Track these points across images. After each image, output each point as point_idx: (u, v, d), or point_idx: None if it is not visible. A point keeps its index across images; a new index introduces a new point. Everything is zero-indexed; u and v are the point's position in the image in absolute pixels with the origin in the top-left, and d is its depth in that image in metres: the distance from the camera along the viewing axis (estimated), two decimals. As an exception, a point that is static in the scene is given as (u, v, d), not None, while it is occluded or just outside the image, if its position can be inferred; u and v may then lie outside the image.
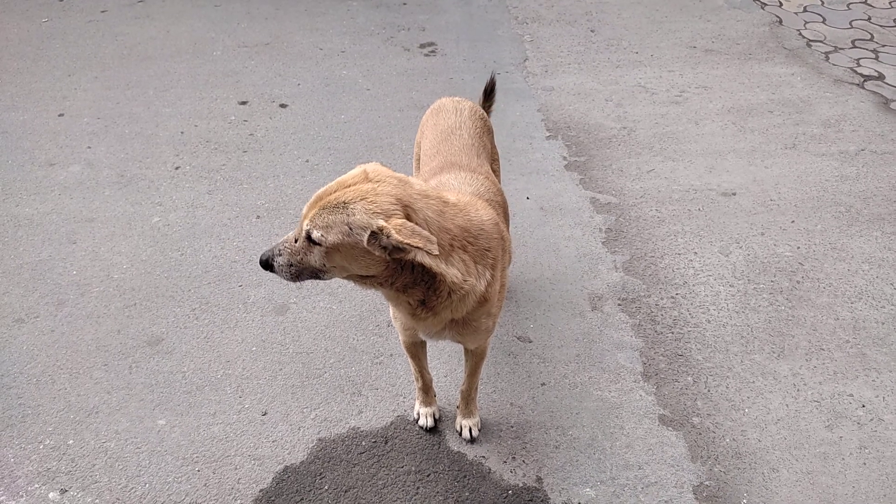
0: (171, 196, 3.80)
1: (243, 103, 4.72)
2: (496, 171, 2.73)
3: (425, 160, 2.51)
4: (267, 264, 1.82)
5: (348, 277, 1.84)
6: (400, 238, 1.61)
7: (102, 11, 6.07)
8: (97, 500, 2.32)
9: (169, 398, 2.67)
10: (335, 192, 1.70)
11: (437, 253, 1.66)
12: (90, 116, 4.55)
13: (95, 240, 3.48)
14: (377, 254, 1.68)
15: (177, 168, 4.04)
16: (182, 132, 4.38)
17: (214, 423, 2.58)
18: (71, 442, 2.50)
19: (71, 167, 4.03)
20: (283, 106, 4.70)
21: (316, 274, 1.82)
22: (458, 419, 2.59)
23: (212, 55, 5.35)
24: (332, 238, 1.68)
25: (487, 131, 2.66)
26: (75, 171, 3.99)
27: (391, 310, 2.13)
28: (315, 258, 1.76)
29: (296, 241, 1.78)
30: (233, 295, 3.15)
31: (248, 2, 6.23)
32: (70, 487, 2.35)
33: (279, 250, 1.80)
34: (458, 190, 2.12)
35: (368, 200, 1.66)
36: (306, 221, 1.72)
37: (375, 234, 1.64)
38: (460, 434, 2.58)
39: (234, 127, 4.44)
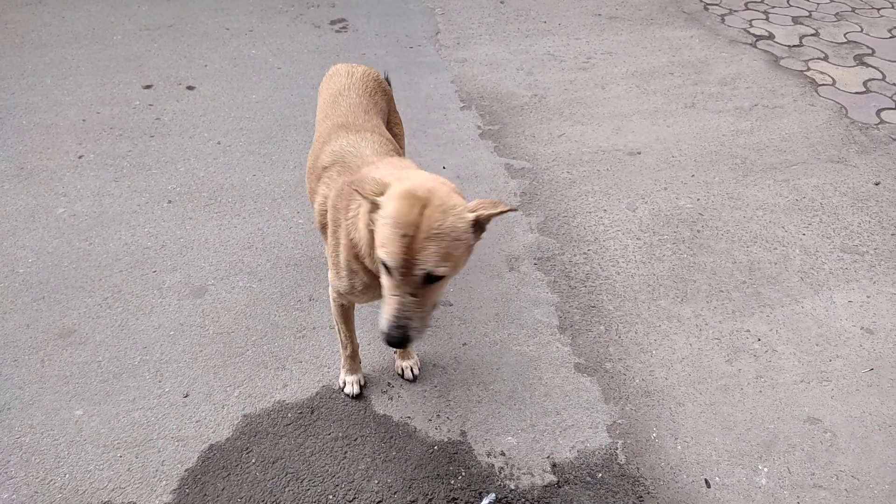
0: (76, 186, 3.66)
1: (148, 87, 4.56)
2: (398, 136, 2.76)
3: (317, 125, 2.53)
4: (406, 339, 1.67)
5: None
6: (494, 210, 1.67)
7: (-11, -2, 5.72)
8: (14, 496, 2.25)
9: (85, 388, 2.61)
10: (418, 228, 1.60)
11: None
12: (-18, 109, 4.31)
13: (-4, 235, 3.33)
14: (473, 243, 1.72)
15: (80, 157, 3.88)
16: (84, 120, 4.21)
17: (134, 409, 2.54)
18: (-18, 441, 2.42)
19: (-36, 162, 3.82)
20: (190, 88, 4.57)
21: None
22: (398, 362, 2.70)
23: (112, 40, 5.13)
24: (451, 262, 1.64)
25: (381, 91, 2.68)
26: (-31, 166, 3.79)
27: (336, 274, 2.13)
28: (440, 290, 1.72)
29: (413, 296, 1.66)
30: (146, 281, 3.08)
31: (147, -17, 6.00)
32: (-16, 486, 2.28)
33: (406, 316, 1.65)
34: (360, 158, 2.14)
35: (448, 207, 1.63)
36: (418, 269, 1.61)
37: (474, 227, 1.67)
38: (402, 375, 2.70)
39: (138, 112, 4.30)
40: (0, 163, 3.83)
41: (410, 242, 1.60)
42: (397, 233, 1.61)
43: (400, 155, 2.38)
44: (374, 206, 1.70)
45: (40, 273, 3.12)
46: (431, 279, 1.64)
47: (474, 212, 1.67)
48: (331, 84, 2.62)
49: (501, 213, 1.68)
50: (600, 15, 5.74)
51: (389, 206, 1.64)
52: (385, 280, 1.71)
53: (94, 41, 5.11)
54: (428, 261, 1.60)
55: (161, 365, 2.71)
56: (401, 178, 1.74)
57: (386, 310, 1.69)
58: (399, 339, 1.66)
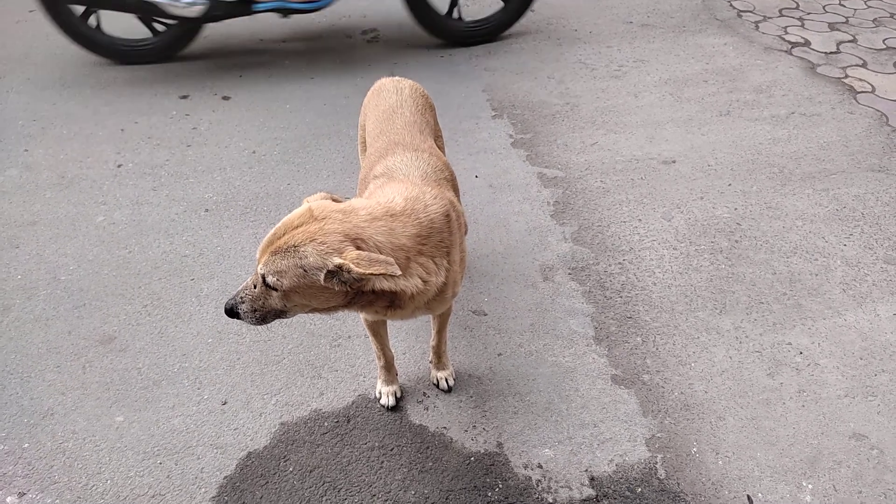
0: (115, 194, 3.73)
1: (184, 97, 4.64)
2: (440, 147, 2.77)
3: (370, 141, 2.53)
4: (232, 312, 1.84)
5: (311, 311, 1.88)
6: (361, 270, 1.65)
7: (30, 11, 5.86)
8: (57, 501, 2.29)
9: (125, 395, 2.65)
10: (283, 235, 1.72)
11: (400, 273, 1.71)
12: (25, 119, 4.42)
13: (39, 242, 3.40)
14: (336, 289, 1.73)
15: (119, 166, 3.96)
16: (122, 130, 4.29)
17: (174, 416, 2.57)
18: (26, 445, 2.46)
19: (8, 171, 3.91)
20: (225, 98, 4.64)
21: (279, 314, 1.86)
22: (433, 373, 2.69)
23: (149, 51, 5.23)
24: (287, 282, 1.71)
25: (429, 108, 2.70)
26: (13, 175, 3.88)
27: None
28: (275, 301, 1.79)
29: (255, 287, 1.81)
30: (185, 289, 3.12)
31: (183, -5, 6.10)
32: (28, 490, 2.32)
33: (241, 297, 1.83)
34: (407, 176, 2.13)
35: (318, 241, 1.68)
36: (260, 266, 1.74)
37: (333, 272, 1.68)
38: (437, 386, 2.69)
39: (175, 122, 4.37)
40: (42, 171, 3.91)
41: (268, 242, 1.74)
42: (273, 230, 1.76)
43: (454, 181, 2.39)
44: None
45: (81, 280, 3.17)
46: (268, 285, 1.75)
47: (336, 260, 1.67)
48: (380, 100, 2.63)
49: (372, 274, 1.66)
50: (632, 23, 5.70)
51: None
52: None
53: (132, 52, 5.20)
54: (266, 266, 1.72)
55: (200, 372, 2.74)
56: (371, 196, 1.98)
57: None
58: (227, 309, 1.85)
